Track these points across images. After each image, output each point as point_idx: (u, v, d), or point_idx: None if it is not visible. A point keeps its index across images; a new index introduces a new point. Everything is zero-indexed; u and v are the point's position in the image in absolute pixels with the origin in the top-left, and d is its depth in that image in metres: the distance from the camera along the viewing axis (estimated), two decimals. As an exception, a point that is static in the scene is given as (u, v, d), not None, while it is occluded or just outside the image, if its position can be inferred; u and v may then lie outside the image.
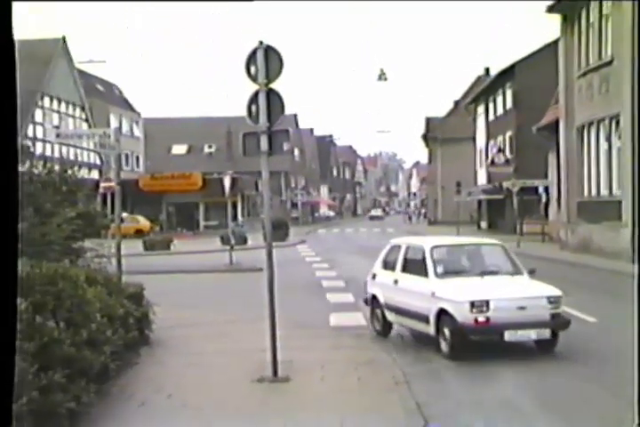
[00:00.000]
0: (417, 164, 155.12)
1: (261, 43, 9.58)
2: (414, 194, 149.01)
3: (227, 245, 31.26)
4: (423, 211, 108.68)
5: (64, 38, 59.20)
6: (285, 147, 10.04)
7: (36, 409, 6.32)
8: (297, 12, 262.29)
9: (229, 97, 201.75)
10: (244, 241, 39.40)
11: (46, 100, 56.99)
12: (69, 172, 13.78)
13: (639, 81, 24.09)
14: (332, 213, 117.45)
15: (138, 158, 73.79)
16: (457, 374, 10.49)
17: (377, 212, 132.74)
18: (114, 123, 63.30)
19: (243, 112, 9.79)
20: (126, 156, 65.30)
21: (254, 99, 9.65)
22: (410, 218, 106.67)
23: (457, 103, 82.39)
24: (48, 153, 49.17)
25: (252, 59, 9.57)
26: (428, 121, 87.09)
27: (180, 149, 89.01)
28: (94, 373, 7.90)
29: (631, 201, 24.91)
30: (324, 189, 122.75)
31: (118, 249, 13.98)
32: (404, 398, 8.60)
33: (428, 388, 9.44)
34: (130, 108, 75.94)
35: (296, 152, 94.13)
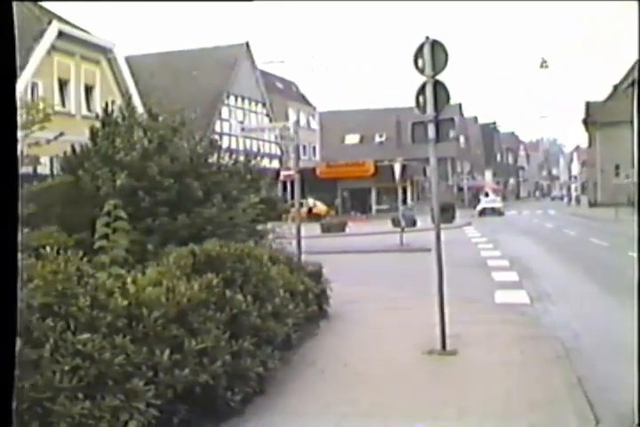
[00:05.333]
0: (577, 148, 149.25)
1: (428, 38, 9.50)
2: (575, 177, 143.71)
3: (397, 227, 31.31)
4: (576, 194, 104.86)
5: (247, 43, 60.61)
6: (451, 134, 9.91)
7: (230, 371, 6.56)
8: (462, 5, 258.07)
9: (398, 89, 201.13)
10: (414, 223, 39.30)
11: (232, 99, 58.51)
12: (253, 162, 14.09)
13: None
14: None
15: (314, 148, 74.72)
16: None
17: (493, 202, 72.35)
18: (292, 117, 64.35)
19: (411, 103, 9.75)
20: (304, 146, 66.07)
21: (422, 90, 9.58)
22: (570, 200, 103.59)
23: (616, 87, 79.23)
24: (234, 146, 50.51)
25: (419, 53, 9.50)
26: (588, 105, 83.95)
27: (352, 138, 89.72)
28: (278, 342, 8.12)
29: None
30: (488, 174, 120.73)
31: (298, 231, 14.24)
32: (566, 372, 8.39)
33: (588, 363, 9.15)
34: (306, 102, 76.95)
35: (461, 139, 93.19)
